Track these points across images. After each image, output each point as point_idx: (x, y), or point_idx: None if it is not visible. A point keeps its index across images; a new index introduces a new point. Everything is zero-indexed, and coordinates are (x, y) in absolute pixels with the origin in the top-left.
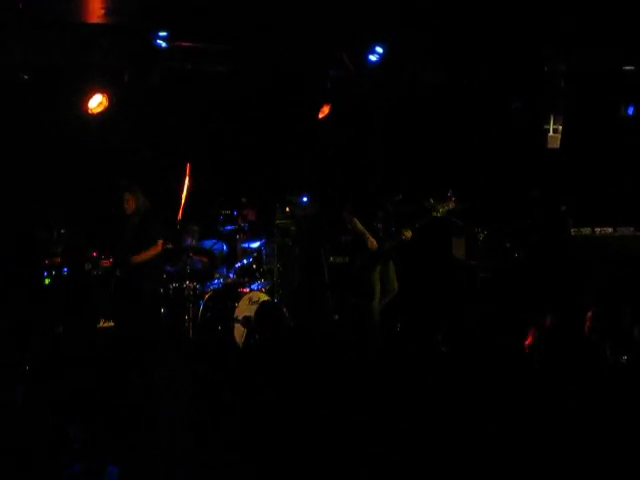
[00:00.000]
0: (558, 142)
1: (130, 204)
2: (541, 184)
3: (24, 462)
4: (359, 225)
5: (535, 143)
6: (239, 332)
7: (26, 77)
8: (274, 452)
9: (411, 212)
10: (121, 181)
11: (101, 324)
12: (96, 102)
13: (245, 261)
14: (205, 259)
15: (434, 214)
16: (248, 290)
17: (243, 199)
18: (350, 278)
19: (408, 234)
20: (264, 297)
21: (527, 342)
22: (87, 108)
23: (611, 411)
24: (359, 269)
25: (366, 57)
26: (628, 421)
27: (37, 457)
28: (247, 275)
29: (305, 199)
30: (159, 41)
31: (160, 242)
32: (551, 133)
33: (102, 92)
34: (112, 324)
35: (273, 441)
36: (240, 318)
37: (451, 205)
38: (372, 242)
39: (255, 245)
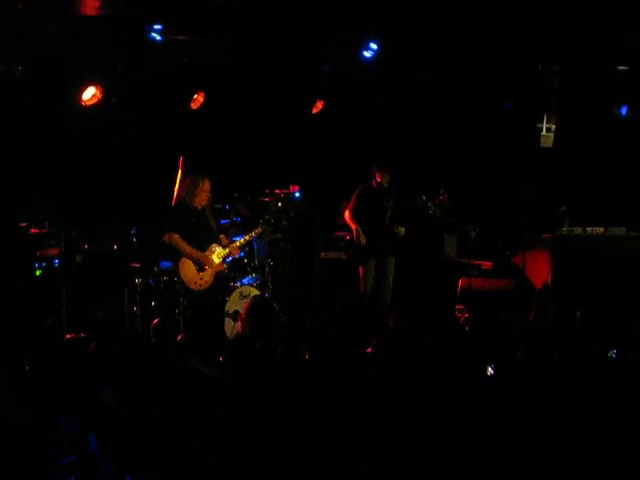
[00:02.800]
0: (551, 141)
1: (210, 194)
2: (533, 183)
3: (13, 456)
4: (350, 218)
5: (528, 142)
6: (229, 326)
7: (20, 68)
8: (265, 451)
9: (406, 208)
10: (197, 172)
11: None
12: (90, 94)
13: (236, 255)
14: None
15: (430, 212)
16: (239, 284)
17: (235, 193)
18: (341, 273)
19: (401, 231)
20: (255, 291)
21: None
22: (81, 100)
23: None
24: (351, 259)
25: (360, 53)
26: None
27: (25, 450)
28: (238, 269)
29: (297, 194)
30: (153, 34)
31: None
32: (544, 132)
33: (96, 84)
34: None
35: (264, 440)
36: (231, 312)
37: (443, 203)
38: (362, 238)
39: (241, 239)
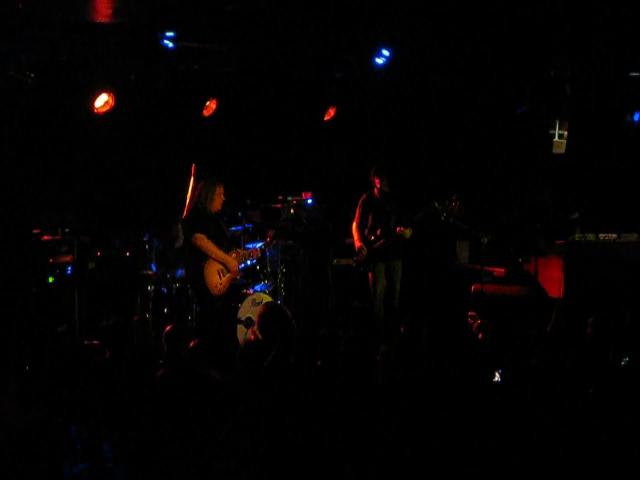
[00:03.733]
0: (563, 147)
1: (222, 199)
2: (546, 189)
3: (25, 463)
4: (355, 229)
5: (540, 148)
6: (242, 333)
7: (32, 75)
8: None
9: (411, 210)
10: (210, 177)
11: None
12: (102, 102)
13: (249, 262)
14: None
15: (442, 218)
16: (251, 291)
17: (247, 200)
18: (353, 280)
19: (407, 232)
20: (267, 298)
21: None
22: (93, 108)
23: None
24: (359, 265)
25: (373, 60)
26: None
27: (38, 458)
28: (251, 276)
29: (310, 201)
30: (166, 41)
31: None
32: (556, 138)
33: (108, 92)
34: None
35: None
36: (243, 319)
37: (455, 209)
38: (363, 251)
39: (259, 246)
